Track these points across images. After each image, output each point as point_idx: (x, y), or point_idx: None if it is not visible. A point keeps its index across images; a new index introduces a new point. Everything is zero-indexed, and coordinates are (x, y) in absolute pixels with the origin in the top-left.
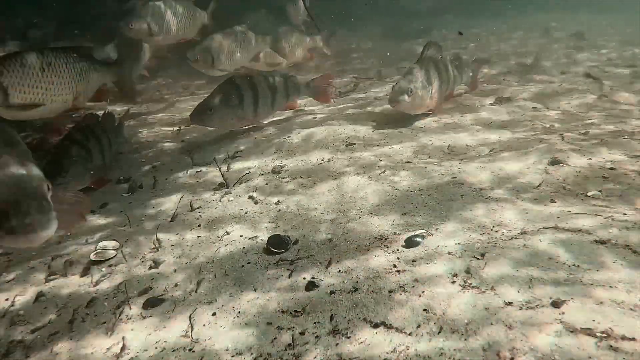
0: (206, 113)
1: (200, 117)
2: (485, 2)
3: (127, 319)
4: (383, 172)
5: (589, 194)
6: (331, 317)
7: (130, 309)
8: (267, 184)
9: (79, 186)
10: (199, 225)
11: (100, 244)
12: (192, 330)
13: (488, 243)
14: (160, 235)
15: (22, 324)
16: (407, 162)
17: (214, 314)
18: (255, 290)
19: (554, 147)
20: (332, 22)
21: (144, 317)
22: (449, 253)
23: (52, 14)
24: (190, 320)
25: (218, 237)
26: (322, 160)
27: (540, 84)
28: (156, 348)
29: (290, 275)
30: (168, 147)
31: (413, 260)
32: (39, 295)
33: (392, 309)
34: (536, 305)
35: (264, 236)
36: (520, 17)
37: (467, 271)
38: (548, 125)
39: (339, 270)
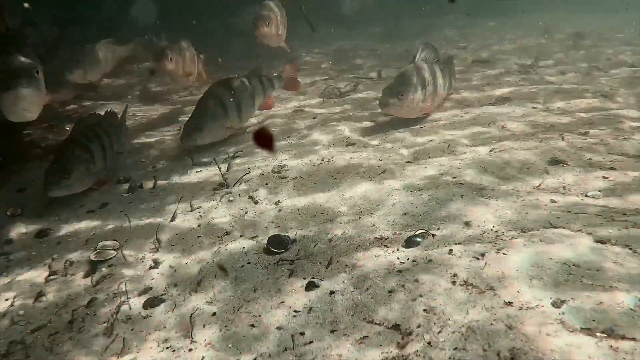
0: (195, 133)
1: (192, 138)
2: (486, 2)
3: (127, 319)
4: (383, 172)
5: (588, 194)
6: (331, 318)
7: (131, 309)
8: (267, 184)
9: (82, 188)
10: (199, 225)
11: (100, 244)
12: (192, 330)
13: (488, 243)
14: (160, 235)
15: (22, 324)
16: (407, 162)
17: (214, 314)
18: (255, 290)
19: (554, 147)
20: (331, 22)
21: (144, 317)
22: (449, 253)
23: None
24: (190, 320)
25: (218, 237)
26: (322, 160)
27: (540, 84)
28: (156, 348)
29: (290, 275)
30: (168, 147)
31: (413, 260)
32: (39, 295)
33: (392, 309)
34: (536, 306)
35: (264, 236)
36: (521, 16)
37: (468, 271)
38: (548, 126)
39: (339, 270)
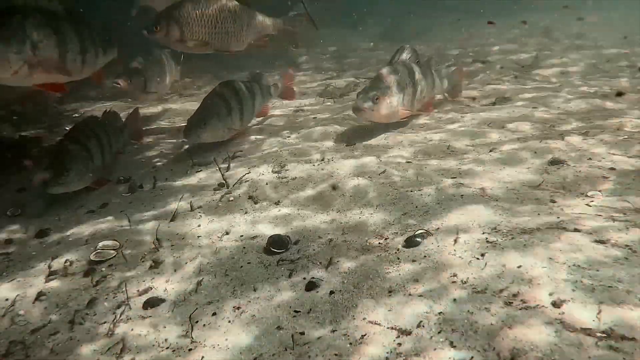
0: (199, 129)
1: (196, 134)
2: (487, 2)
3: (127, 319)
4: (383, 172)
5: (589, 193)
6: (331, 317)
7: (130, 309)
8: (267, 184)
9: (81, 186)
10: (199, 225)
11: (100, 244)
12: (192, 330)
13: (488, 243)
14: (160, 235)
15: (22, 324)
16: (407, 162)
17: (214, 314)
18: (255, 290)
19: (554, 147)
20: (331, 22)
21: (144, 318)
22: (449, 253)
23: None
24: (190, 320)
25: (218, 237)
26: (322, 160)
27: (540, 84)
28: (156, 348)
29: (290, 275)
30: (168, 147)
31: (413, 260)
32: (39, 295)
33: (392, 309)
34: (535, 306)
35: (264, 236)
36: (520, 17)
37: (468, 271)
38: (548, 125)
39: (339, 270)
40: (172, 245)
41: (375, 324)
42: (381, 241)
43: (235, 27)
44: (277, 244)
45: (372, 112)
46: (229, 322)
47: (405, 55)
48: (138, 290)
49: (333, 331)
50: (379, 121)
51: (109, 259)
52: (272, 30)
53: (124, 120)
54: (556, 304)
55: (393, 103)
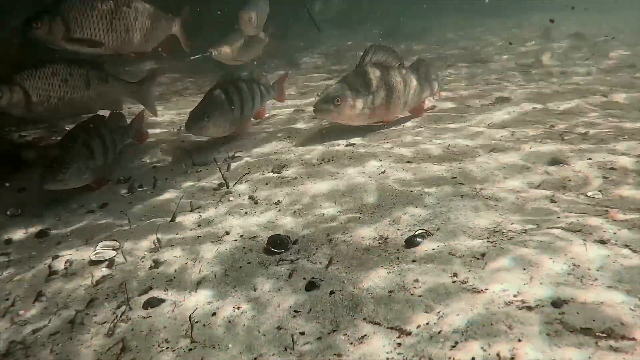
0: (202, 121)
1: (198, 126)
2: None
3: (128, 319)
4: (383, 172)
5: (589, 193)
6: (331, 317)
7: (131, 309)
8: (267, 183)
9: (79, 184)
10: (199, 225)
11: (100, 244)
12: (192, 330)
13: (488, 243)
14: (160, 235)
15: (22, 324)
16: (408, 161)
17: (214, 314)
18: (255, 290)
19: (554, 147)
20: (332, 21)
21: (144, 318)
22: (449, 253)
23: None
24: (190, 320)
25: (218, 237)
26: (322, 160)
27: (540, 84)
28: (156, 349)
29: (290, 275)
30: (168, 147)
31: (413, 260)
32: (39, 295)
33: (392, 309)
34: (536, 306)
35: (264, 236)
36: (520, 16)
37: (468, 271)
38: (548, 125)
39: (339, 271)
40: (172, 245)
41: (376, 324)
42: (381, 241)
43: (138, 25)
44: (277, 243)
45: (332, 114)
46: (229, 322)
47: (379, 56)
48: (138, 291)
49: (333, 331)
50: (342, 122)
51: (109, 259)
52: (172, 30)
53: (129, 121)
54: (556, 305)
55: (357, 105)
